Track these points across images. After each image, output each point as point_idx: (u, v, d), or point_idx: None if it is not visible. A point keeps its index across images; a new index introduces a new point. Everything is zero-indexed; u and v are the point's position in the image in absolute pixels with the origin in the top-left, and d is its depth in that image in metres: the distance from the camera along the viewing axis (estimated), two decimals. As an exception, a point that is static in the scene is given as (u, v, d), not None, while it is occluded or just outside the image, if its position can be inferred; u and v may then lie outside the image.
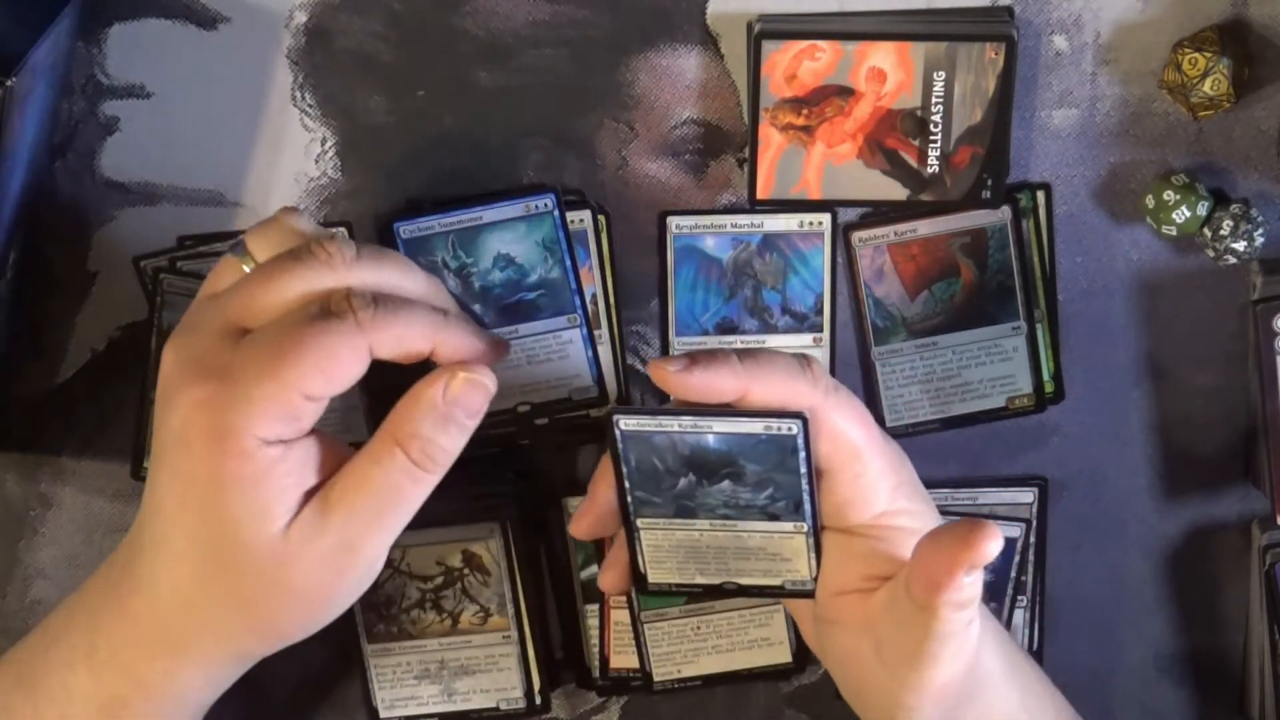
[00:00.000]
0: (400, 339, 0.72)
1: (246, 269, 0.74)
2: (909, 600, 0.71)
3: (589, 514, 0.77)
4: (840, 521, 0.75)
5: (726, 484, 0.74)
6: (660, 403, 0.77)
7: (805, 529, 0.75)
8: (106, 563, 0.77)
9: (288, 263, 0.73)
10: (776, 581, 0.77)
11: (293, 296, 0.72)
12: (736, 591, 0.78)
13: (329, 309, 0.71)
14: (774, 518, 0.75)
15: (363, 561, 0.73)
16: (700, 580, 0.78)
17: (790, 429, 0.72)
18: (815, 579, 0.77)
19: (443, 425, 0.73)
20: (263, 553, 0.72)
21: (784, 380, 0.73)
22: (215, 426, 0.70)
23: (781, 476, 0.73)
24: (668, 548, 0.77)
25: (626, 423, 0.73)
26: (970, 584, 0.70)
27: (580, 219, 0.84)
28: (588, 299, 0.85)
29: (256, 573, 0.72)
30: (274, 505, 0.72)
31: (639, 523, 0.76)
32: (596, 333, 0.85)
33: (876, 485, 0.74)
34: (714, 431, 0.73)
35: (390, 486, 0.73)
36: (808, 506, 0.74)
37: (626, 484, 0.75)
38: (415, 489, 0.73)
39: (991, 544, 0.69)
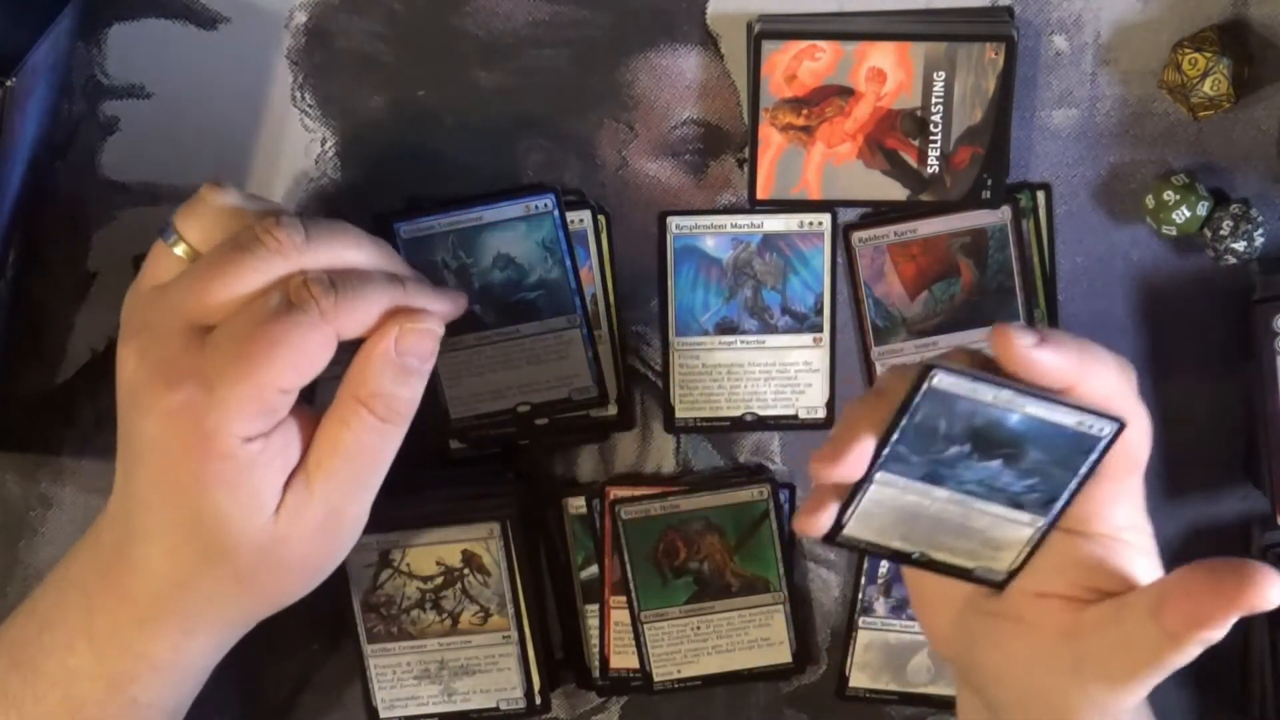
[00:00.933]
0: (365, 319, 0.73)
1: (179, 252, 0.74)
2: (1146, 623, 0.69)
3: (838, 458, 0.70)
4: (1081, 525, 0.72)
5: (997, 463, 0.70)
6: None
7: (1041, 525, 0.72)
8: (91, 542, 0.77)
9: (237, 254, 0.72)
10: (970, 564, 0.74)
11: (249, 289, 0.72)
12: (918, 563, 0.74)
13: (289, 300, 0.71)
14: (1018, 506, 0.71)
15: (350, 522, 0.75)
16: (895, 545, 0.73)
17: (1103, 430, 0.69)
18: (1012, 574, 0.73)
19: (401, 377, 0.74)
20: (258, 537, 0.73)
21: (1115, 378, 0.70)
22: (194, 433, 0.71)
23: (1057, 472, 0.70)
24: (887, 506, 0.72)
25: (942, 380, 0.68)
26: (1229, 624, 0.68)
27: (580, 219, 0.84)
28: (588, 299, 0.85)
29: (254, 554, 0.73)
30: (261, 495, 0.73)
31: (878, 475, 0.71)
32: (596, 333, 0.85)
33: (1134, 499, 0.72)
34: (1024, 412, 0.69)
35: (362, 446, 0.74)
36: (1059, 505, 0.71)
37: (895, 435, 0.70)
38: (386, 443, 0.74)
39: (1273, 592, 0.66)
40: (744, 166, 0.84)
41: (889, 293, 0.85)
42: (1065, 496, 0.71)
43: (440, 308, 0.76)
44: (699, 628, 0.88)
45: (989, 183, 0.83)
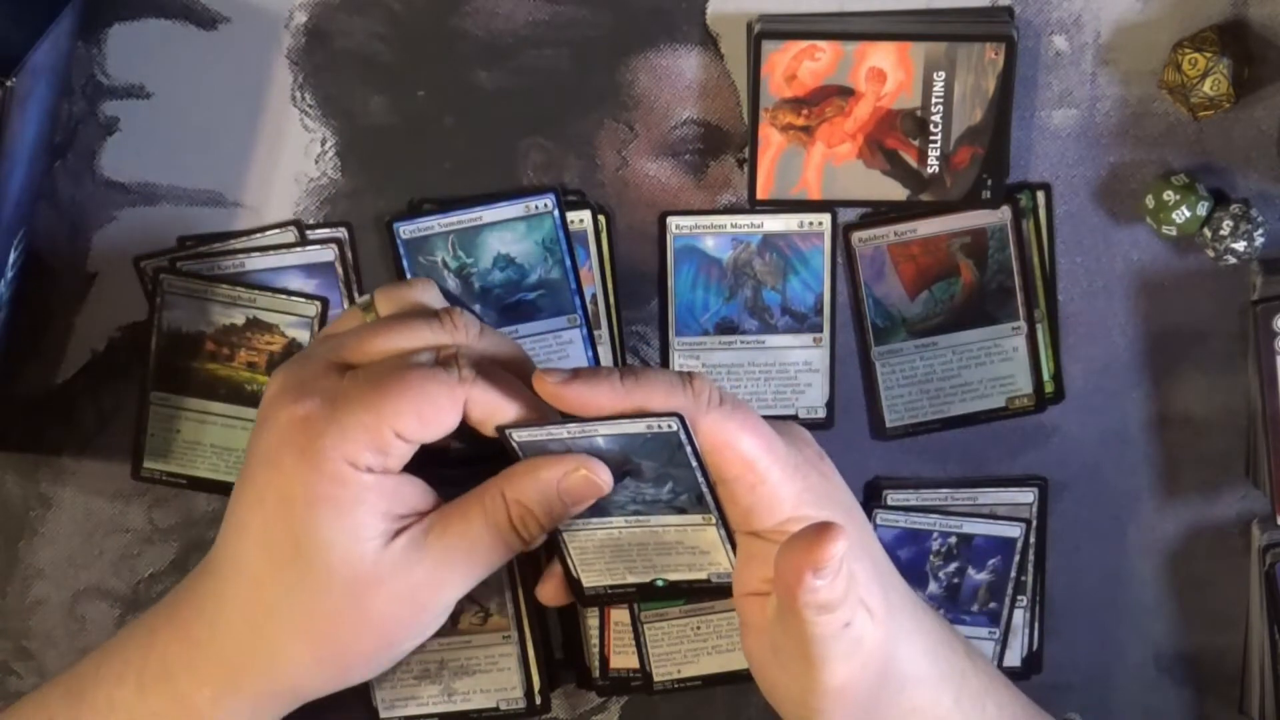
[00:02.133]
0: (496, 407, 0.74)
1: (368, 319, 0.77)
2: (783, 605, 0.72)
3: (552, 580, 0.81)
4: (747, 526, 0.75)
5: (629, 480, 0.75)
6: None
7: (713, 520, 0.76)
8: (176, 587, 0.78)
9: (414, 319, 0.75)
10: (703, 575, 0.78)
11: (408, 347, 0.74)
12: (667, 590, 0.79)
13: (437, 359, 0.73)
14: (681, 510, 0.76)
15: (441, 603, 0.75)
16: (631, 579, 0.79)
17: (669, 426, 0.72)
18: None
19: (548, 508, 0.75)
20: (350, 574, 0.73)
21: (664, 396, 0.73)
22: (307, 447, 0.72)
23: (676, 471, 0.74)
24: (593, 549, 0.78)
25: (519, 434, 0.74)
26: (824, 586, 0.70)
27: (580, 219, 0.84)
28: (588, 299, 0.85)
29: (339, 595, 0.73)
30: (365, 528, 0.73)
31: (562, 531, 0.77)
32: (596, 333, 0.85)
33: (777, 493, 0.74)
34: (601, 434, 0.73)
35: (489, 541, 0.75)
36: (709, 499, 0.75)
37: None
38: (507, 552, 0.75)
39: (833, 546, 0.69)
40: (744, 166, 0.84)
41: (889, 293, 0.85)
42: (705, 489, 0.74)
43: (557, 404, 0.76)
44: (699, 628, 0.88)
45: (989, 183, 0.83)
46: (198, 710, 0.75)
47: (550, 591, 0.81)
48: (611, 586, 0.80)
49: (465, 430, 0.84)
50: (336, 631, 0.74)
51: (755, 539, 0.75)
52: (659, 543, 0.77)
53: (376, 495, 0.73)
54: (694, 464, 0.74)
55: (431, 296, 0.78)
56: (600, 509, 0.76)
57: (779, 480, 0.74)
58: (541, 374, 0.73)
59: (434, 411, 0.73)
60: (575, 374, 0.74)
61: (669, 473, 0.74)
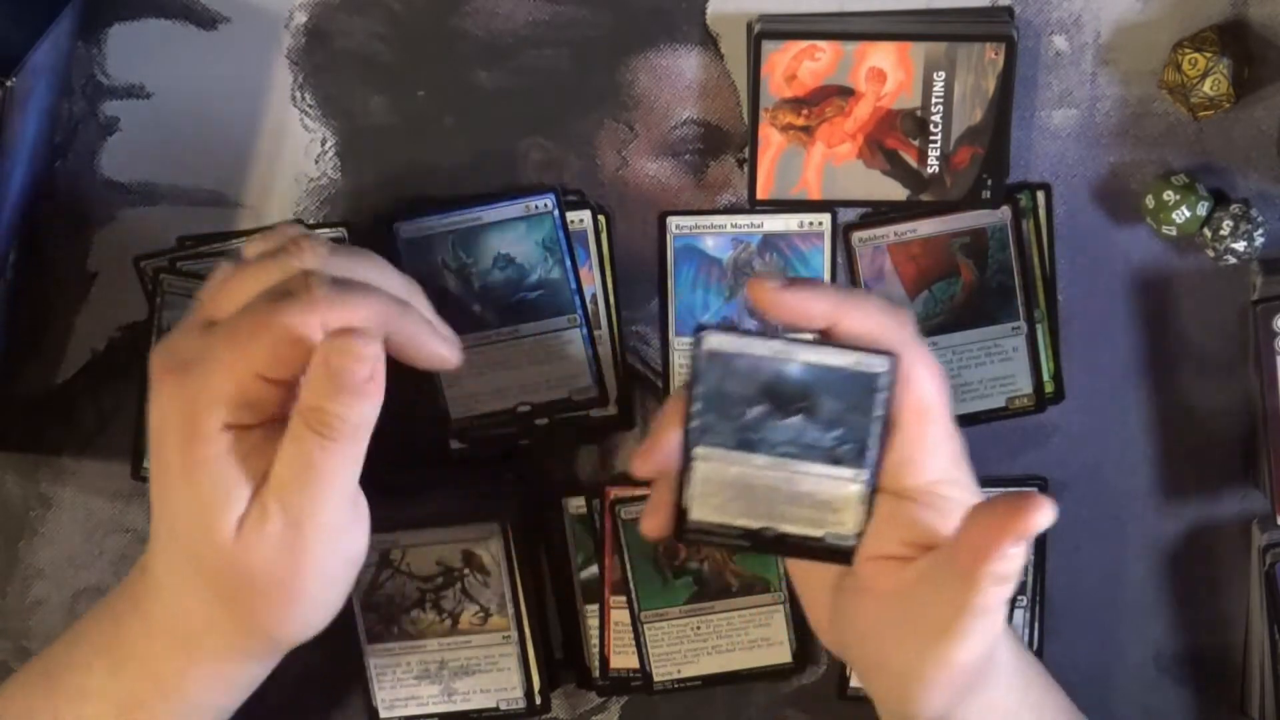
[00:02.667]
0: (350, 321, 0.71)
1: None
2: (951, 570, 0.71)
3: (654, 450, 0.73)
4: (895, 482, 0.73)
5: (798, 419, 0.72)
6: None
7: (864, 478, 0.72)
8: (134, 566, 0.77)
9: (263, 261, 0.73)
10: (819, 532, 0.74)
11: (258, 289, 0.72)
12: (774, 542, 0.75)
13: (286, 289, 0.71)
14: (836, 461, 0.72)
15: (313, 539, 0.72)
16: (742, 522, 0.74)
17: (879, 366, 0.70)
18: (859, 536, 0.74)
19: (337, 395, 0.71)
20: (224, 543, 0.72)
21: (877, 316, 0.72)
22: (183, 415, 0.71)
23: (855, 417, 0.71)
24: (719, 482, 0.74)
25: (713, 340, 0.71)
26: (1015, 555, 0.69)
27: (580, 219, 0.84)
28: (588, 299, 0.85)
29: (224, 565, 0.72)
30: (235, 491, 0.72)
31: (697, 450, 0.73)
32: (596, 333, 0.85)
33: (938, 449, 0.73)
34: (800, 360, 0.71)
35: (306, 461, 0.71)
36: (873, 453, 0.72)
37: (694, 406, 0.72)
38: (333, 459, 0.72)
39: (1041, 515, 0.68)
40: (744, 166, 0.84)
41: (889, 293, 0.85)
42: (873, 443, 0.72)
43: (431, 344, 0.74)
44: (699, 628, 0.88)
45: (989, 183, 0.83)
46: (168, 683, 0.75)
47: (655, 524, 0.75)
48: (719, 524, 0.74)
49: (466, 429, 0.85)
50: (239, 599, 0.73)
51: (896, 499, 0.73)
52: (791, 491, 0.73)
53: (239, 454, 0.71)
54: (879, 412, 0.71)
55: (293, 233, 0.75)
56: (749, 443, 0.72)
57: (943, 436, 0.73)
58: (758, 279, 0.72)
59: (289, 345, 0.70)
60: (793, 281, 0.72)
61: (846, 417, 0.71)
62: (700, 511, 0.74)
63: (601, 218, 0.85)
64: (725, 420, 0.72)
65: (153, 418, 0.73)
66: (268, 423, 0.72)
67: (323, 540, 0.73)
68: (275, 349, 0.71)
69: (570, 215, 0.84)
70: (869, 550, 0.74)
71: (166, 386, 0.72)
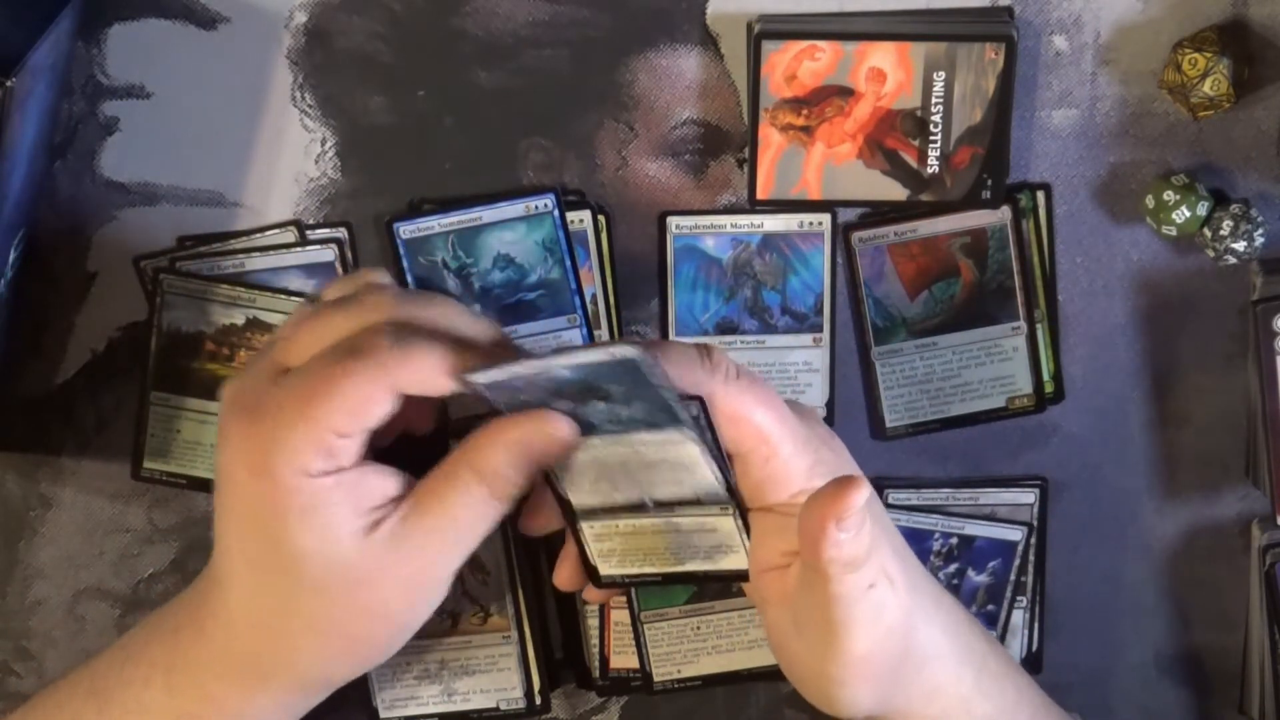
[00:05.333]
0: (426, 379, 0.72)
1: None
2: (808, 568, 0.72)
3: (540, 513, 0.78)
4: (760, 500, 0.75)
5: (603, 404, 0.73)
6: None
7: (690, 435, 0.73)
8: (190, 587, 0.78)
9: (333, 305, 0.74)
10: (691, 494, 0.76)
11: (334, 336, 0.73)
12: (683, 577, 0.78)
13: (354, 346, 0.72)
14: (655, 426, 0.73)
15: (438, 580, 0.74)
16: (619, 499, 0.76)
17: (631, 353, 0.69)
18: (746, 553, 0.77)
19: (521, 467, 0.73)
20: (336, 576, 0.73)
21: (683, 368, 0.73)
22: (259, 464, 0.72)
23: (644, 390, 0.72)
24: (577, 468, 0.75)
25: (479, 378, 0.71)
26: (848, 540, 0.70)
27: (580, 219, 0.84)
28: (588, 299, 0.85)
29: (333, 596, 0.73)
30: (336, 529, 0.72)
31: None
32: (596, 333, 0.85)
33: (789, 466, 0.74)
34: (564, 365, 0.71)
35: (468, 512, 0.73)
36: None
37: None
38: (487, 517, 0.74)
39: (855, 494, 0.70)
40: (744, 166, 0.84)
41: (889, 292, 0.85)
42: (673, 402, 0.72)
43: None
44: (699, 628, 0.88)
45: (989, 183, 0.83)
46: (228, 705, 0.76)
47: (566, 575, 0.79)
48: (602, 507, 0.77)
49: (466, 429, 0.85)
50: (342, 629, 0.74)
51: (769, 515, 0.75)
52: (641, 460, 0.75)
53: (340, 495, 0.72)
54: (656, 381, 0.71)
55: (366, 280, 0.76)
56: (587, 427, 0.74)
57: (791, 453, 0.74)
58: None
59: (363, 406, 0.71)
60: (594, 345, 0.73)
61: (639, 394, 0.71)
62: (578, 497, 0.77)
63: (601, 218, 0.85)
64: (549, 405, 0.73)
65: (222, 456, 0.73)
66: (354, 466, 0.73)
67: (444, 584, 0.75)
68: (350, 410, 0.71)
69: (570, 215, 0.84)
70: (759, 564, 0.76)
71: (234, 431, 0.72)
